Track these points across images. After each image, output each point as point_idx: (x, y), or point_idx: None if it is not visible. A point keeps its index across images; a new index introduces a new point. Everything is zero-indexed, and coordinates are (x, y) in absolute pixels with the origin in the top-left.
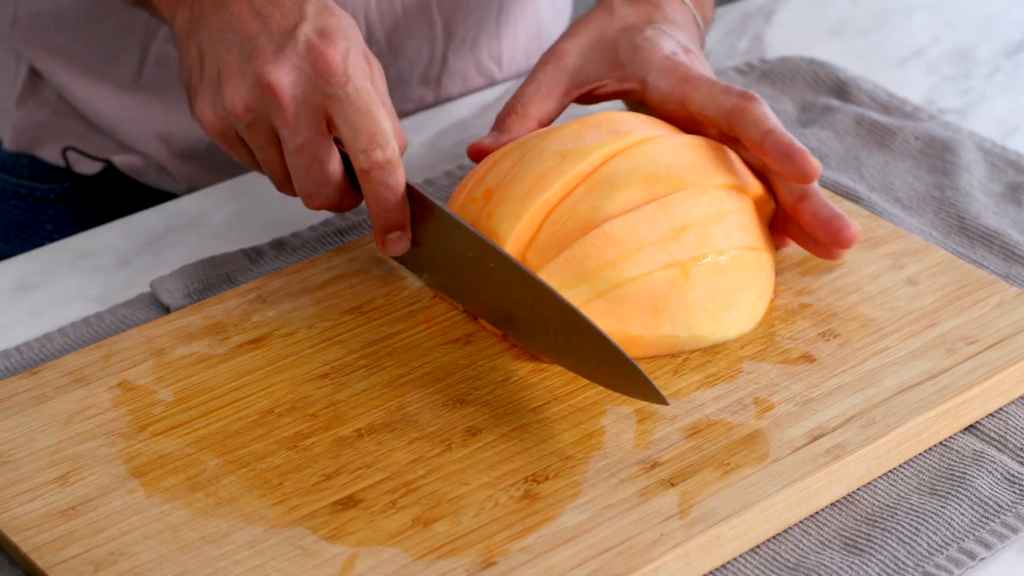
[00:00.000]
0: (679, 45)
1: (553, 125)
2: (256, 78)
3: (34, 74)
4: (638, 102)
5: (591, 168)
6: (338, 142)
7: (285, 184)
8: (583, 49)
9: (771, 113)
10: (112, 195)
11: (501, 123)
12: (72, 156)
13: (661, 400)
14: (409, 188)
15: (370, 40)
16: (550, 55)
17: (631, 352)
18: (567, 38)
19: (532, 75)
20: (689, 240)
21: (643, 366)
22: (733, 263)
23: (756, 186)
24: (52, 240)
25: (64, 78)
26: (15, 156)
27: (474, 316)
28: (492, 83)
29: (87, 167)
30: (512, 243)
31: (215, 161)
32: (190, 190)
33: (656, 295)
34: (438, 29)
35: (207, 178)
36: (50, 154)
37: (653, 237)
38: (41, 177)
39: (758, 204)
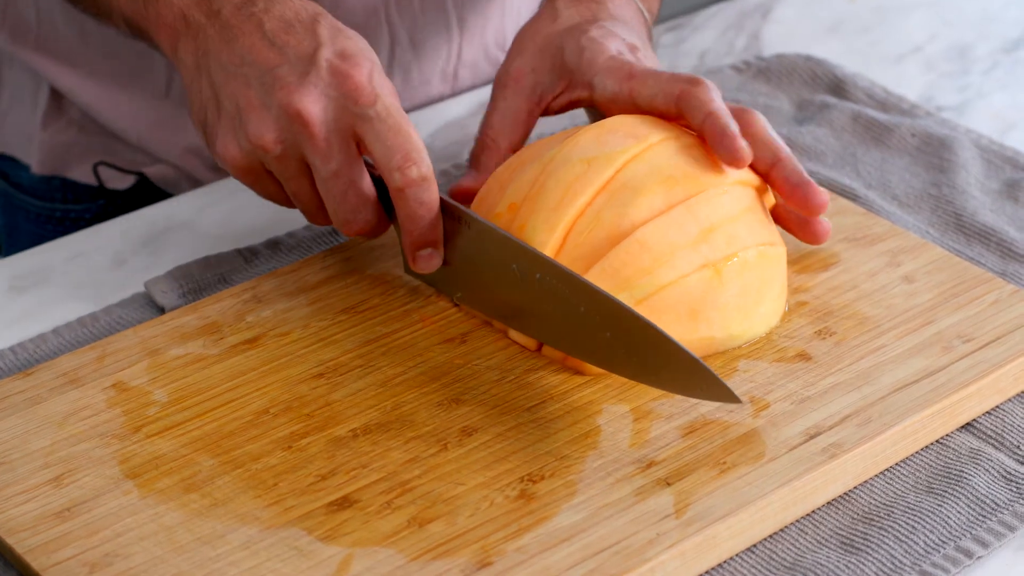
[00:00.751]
0: (624, 43)
1: (563, 132)
2: (283, 109)
3: (56, 95)
4: (591, 107)
5: (612, 174)
6: (368, 164)
7: (318, 214)
8: (535, 64)
9: (716, 97)
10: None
11: (477, 161)
12: (104, 172)
13: (734, 399)
14: (443, 203)
15: (393, 41)
16: (506, 78)
17: None
18: (517, 55)
19: (493, 103)
20: (718, 240)
21: None
22: (759, 259)
23: (760, 179)
24: None
25: (90, 95)
26: (46, 180)
27: (504, 331)
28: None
29: (119, 182)
30: (548, 254)
31: None
32: None
33: (692, 298)
34: (454, 22)
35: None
36: (81, 174)
37: (684, 240)
38: (74, 198)
39: (763, 198)
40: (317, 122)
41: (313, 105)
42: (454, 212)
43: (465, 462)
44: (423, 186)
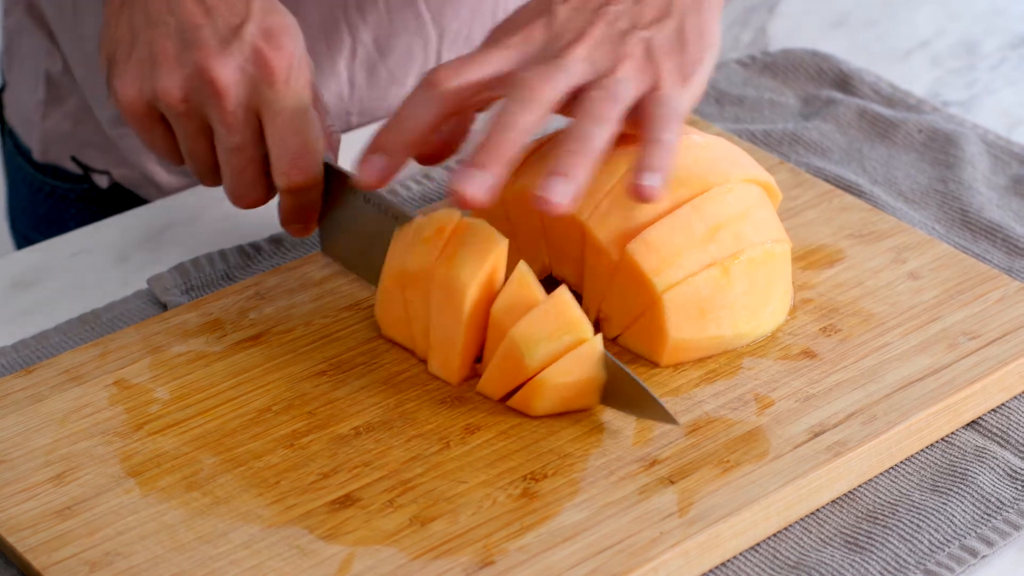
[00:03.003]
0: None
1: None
2: (198, 70)
3: (53, 85)
4: None
5: (616, 181)
6: None
7: (209, 175)
8: None
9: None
10: (126, 204)
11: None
12: (84, 164)
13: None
14: (329, 168)
15: (355, 41)
16: None
17: (681, 357)
18: None
19: None
20: (724, 238)
21: (645, 361)
22: (765, 257)
23: (765, 176)
24: None
25: (91, 88)
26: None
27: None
28: None
29: (100, 179)
30: None
31: None
32: None
33: (701, 297)
34: (428, 25)
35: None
36: (72, 165)
37: (691, 240)
38: (63, 177)
39: (770, 195)
40: (230, 94)
41: (229, 76)
42: (341, 177)
43: (467, 460)
44: (306, 191)
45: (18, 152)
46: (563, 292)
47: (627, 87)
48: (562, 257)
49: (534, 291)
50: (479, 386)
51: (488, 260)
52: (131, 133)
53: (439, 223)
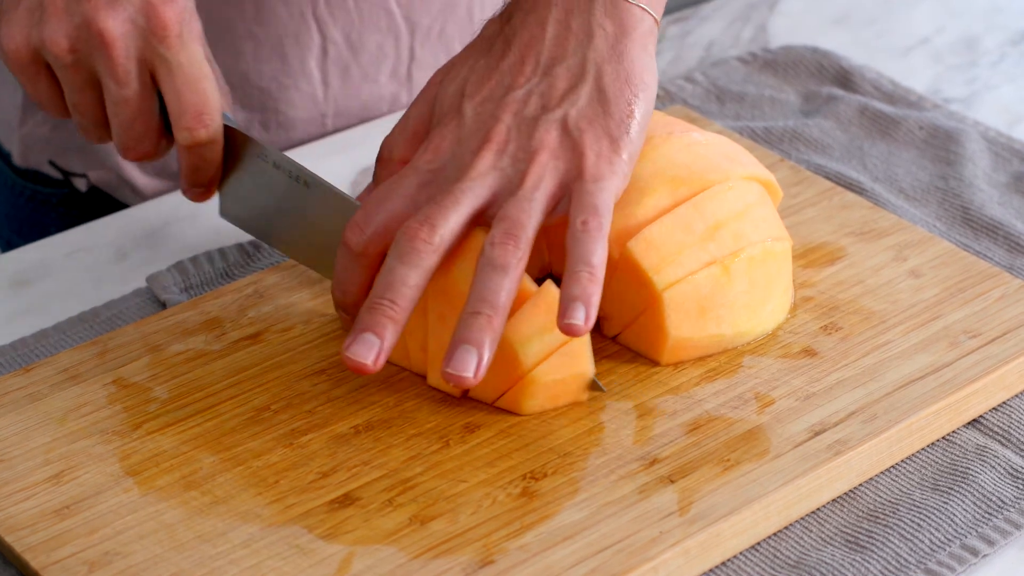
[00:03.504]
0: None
1: None
2: (86, 22)
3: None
4: None
5: None
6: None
7: (96, 128)
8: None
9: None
10: (106, 208)
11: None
12: (62, 168)
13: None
14: (227, 130)
15: (325, 39)
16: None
17: (681, 355)
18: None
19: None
20: (724, 237)
21: (645, 360)
22: (765, 255)
23: (766, 174)
24: None
25: None
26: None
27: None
28: None
29: (79, 183)
30: None
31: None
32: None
33: (701, 295)
34: (399, 21)
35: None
36: (51, 169)
37: (691, 238)
38: (43, 181)
39: (770, 192)
40: (118, 46)
41: (116, 29)
42: (234, 137)
43: (467, 459)
44: (208, 147)
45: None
46: (550, 286)
47: (539, 197)
48: (563, 255)
49: (524, 283)
50: (472, 390)
51: None
52: None
53: None
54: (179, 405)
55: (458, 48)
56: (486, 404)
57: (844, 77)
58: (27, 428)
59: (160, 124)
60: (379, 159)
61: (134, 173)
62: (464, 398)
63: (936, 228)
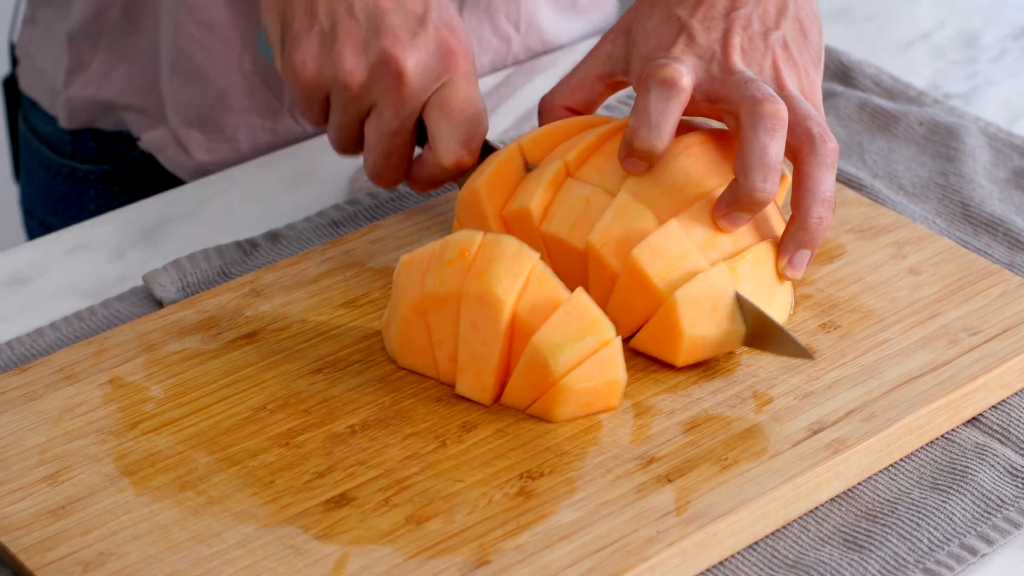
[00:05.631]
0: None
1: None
2: (385, 58)
3: (75, 50)
4: None
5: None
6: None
7: (350, 149)
8: (616, 36)
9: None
10: (149, 180)
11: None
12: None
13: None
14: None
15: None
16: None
17: (698, 355)
18: (620, 21)
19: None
20: (725, 240)
21: (644, 358)
22: (768, 255)
23: None
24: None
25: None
26: (60, 133)
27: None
28: (508, 46)
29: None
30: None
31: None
32: (199, 170)
33: (712, 292)
34: None
35: (218, 147)
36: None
37: (695, 244)
38: (83, 157)
39: None
40: (412, 85)
41: (415, 68)
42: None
43: (464, 459)
44: (461, 169)
45: (35, 135)
46: (581, 293)
47: (792, 95)
48: (567, 270)
49: (556, 288)
50: (504, 397)
51: (523, 272)
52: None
53: (462, 244)
54: (175, 405)
55: (504, 21)
56: (489, 407)
57: (844, 72)
58: (22, 428)
59: (412, 152)
60: (542, 104)
61: (188, 135)
62: (494, 404)
63: (936, 225)
